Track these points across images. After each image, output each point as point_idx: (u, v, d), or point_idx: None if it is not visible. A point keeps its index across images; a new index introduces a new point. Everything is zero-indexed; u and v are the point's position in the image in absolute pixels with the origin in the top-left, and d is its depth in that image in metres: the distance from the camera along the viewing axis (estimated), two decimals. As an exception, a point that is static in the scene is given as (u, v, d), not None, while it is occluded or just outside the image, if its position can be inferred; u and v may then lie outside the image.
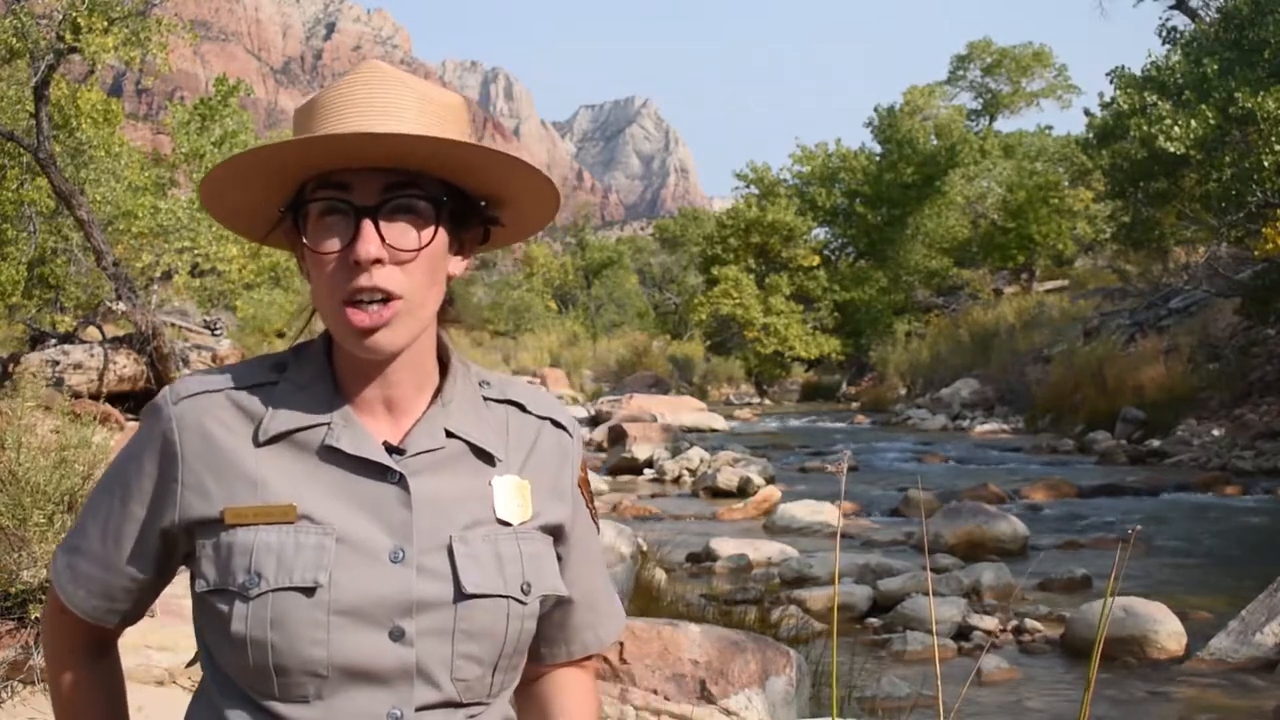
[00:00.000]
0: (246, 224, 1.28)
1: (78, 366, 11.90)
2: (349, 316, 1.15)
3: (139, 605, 1.29)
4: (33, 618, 3.58)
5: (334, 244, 1.15)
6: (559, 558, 1.29)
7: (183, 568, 1.26)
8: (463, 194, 1.22)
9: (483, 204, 1.24)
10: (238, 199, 1.23)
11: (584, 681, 1.38)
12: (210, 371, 1.24)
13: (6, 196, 12.79)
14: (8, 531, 3.51)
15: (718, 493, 12.05)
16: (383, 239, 1.14)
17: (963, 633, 6.17)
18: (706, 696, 4.04)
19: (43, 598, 3.61)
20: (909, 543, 8.96)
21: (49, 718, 3.45)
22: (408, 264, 1.16)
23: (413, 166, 1.17)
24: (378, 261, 1.14)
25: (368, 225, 1.14)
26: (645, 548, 7.60)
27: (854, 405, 29.21)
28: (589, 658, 1.38)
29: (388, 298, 1.15)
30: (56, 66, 11.29)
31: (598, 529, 1.38)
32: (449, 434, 1.22)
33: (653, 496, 12.19)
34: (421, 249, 1.17)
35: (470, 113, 1.27)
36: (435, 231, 1.18)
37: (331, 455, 1.19)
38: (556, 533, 1.29)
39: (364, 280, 1.14)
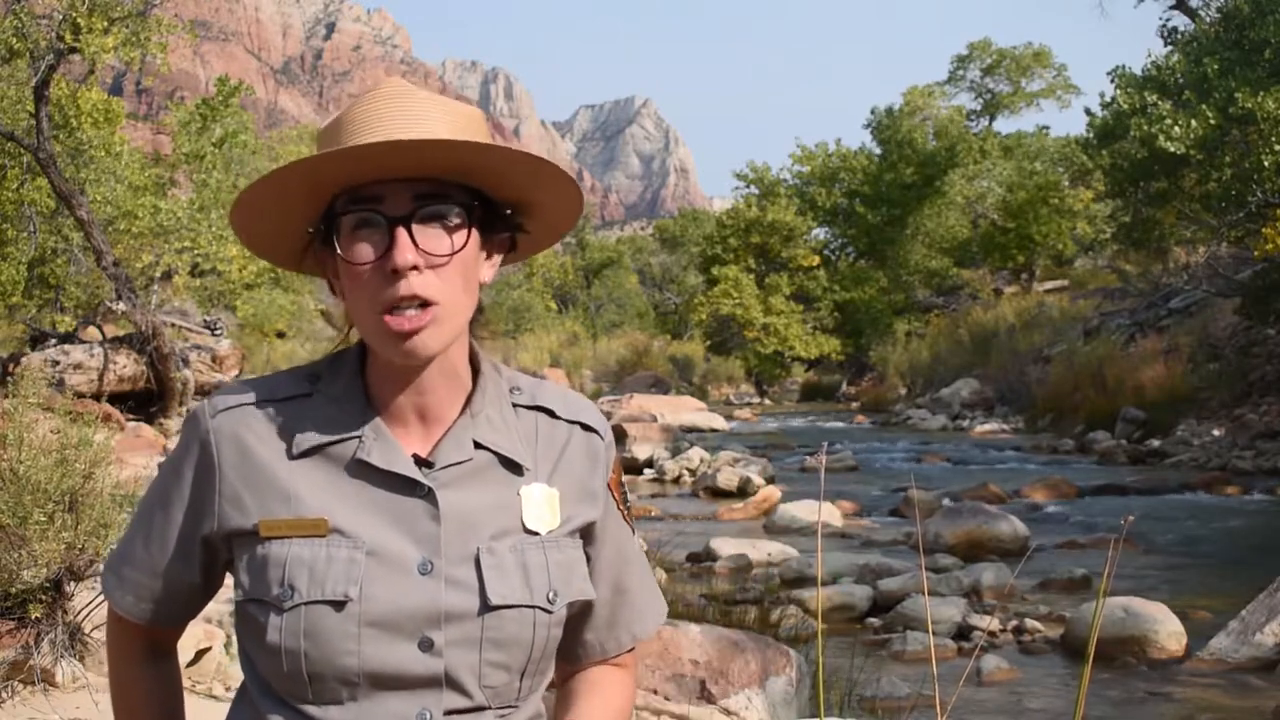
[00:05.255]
0: (272, 245, 1.29)
1: (78, 366, 11.91)
2: (388, 323, 1.17)
3: (189, 607, 1.32)
4: (33, 618, 3.58)
5: (369, 254, 1.17)
6: (589, 559, 1.30)
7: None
8: (488, 202, 1.24)
9: (508, 211, 1.26)
10: (269, 218, 1.24)
11: (614, 680, 1.37)
12: (248, 383, 1.27)
13: (6, 196, 12.79)
14: (8, 531, 3.51)
15: (718, 493, 12.04)
16: (417, 246, 1.16)
17: (963, 633, 6.17)
18: (707, 696, 4.05)
19: (42, 597, 3.61)
20: (909, 543, 8.94)
21: (49, 717, 3.46)
22: (442, 269, 1.18)
23: (443, 175, 1.19)
24: (414, 268, 1.16)
25: (402, 233, 1.16)
26: (645, 548, 7.60)
27: (854, 405, 29.21)
28: (624, 654, 1.37)
29: (425, 303, 1.17)
30: (56, 66, 11.30)
31: (632, 529, 1.38)
32: (477, 445, 1.24)
33: (653, 496, 12.19)
34: (455, 253, 1.19)
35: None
36: (468, 236, 1.20)
37: (362, 469, 1.21)
38: (586, 533, 1.30)
39: (402, 288, 1.16)
